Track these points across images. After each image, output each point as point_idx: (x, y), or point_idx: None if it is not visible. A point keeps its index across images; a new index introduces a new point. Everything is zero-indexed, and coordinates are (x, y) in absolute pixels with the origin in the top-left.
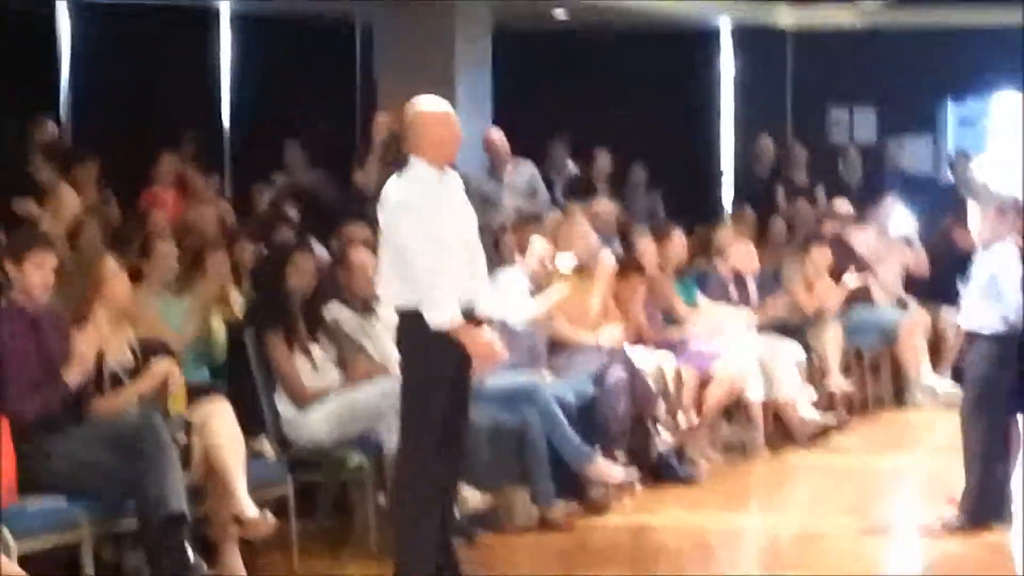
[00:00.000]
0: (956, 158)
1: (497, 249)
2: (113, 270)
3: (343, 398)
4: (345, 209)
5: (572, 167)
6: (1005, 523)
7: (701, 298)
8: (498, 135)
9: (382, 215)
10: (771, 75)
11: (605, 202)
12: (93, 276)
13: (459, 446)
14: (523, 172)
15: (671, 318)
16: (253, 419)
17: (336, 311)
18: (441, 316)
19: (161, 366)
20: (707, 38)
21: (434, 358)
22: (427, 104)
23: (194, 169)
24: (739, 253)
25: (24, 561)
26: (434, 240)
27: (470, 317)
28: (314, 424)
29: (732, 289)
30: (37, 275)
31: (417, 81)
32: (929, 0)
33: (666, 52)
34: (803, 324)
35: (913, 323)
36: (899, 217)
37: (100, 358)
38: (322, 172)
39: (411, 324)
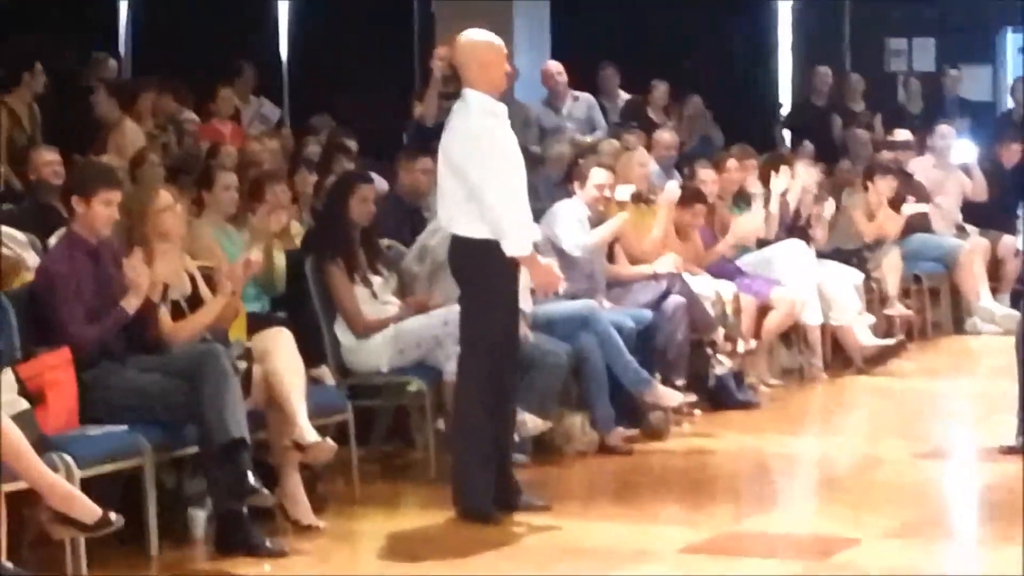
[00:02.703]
0: (1016, 85)
1: (564, 180)
2: (167, 202)
3: (402, 326)
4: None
5: (623, 96)
6: None
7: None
8: (556, 67)
9: (448, 146)
10: (829, 4)
11: (666, 133)
12: (146, 207)
13: (514, 370)
14: (582, 104)
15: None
16: (313, 348)
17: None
18: (517, 245)
19: (222, 297)
20: None
21: (500, 285)
22: (472, 35)
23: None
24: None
25: (86, 487)
26: (502, 170)
27: None
28: (373, 352)
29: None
30: (104, 212)
31: (475, 14)
32: None
33: None
34: (862, 250)
35: (972, 249)
36: (957, 145)
37: (165, 289)
38: None
39: (478, 252)
